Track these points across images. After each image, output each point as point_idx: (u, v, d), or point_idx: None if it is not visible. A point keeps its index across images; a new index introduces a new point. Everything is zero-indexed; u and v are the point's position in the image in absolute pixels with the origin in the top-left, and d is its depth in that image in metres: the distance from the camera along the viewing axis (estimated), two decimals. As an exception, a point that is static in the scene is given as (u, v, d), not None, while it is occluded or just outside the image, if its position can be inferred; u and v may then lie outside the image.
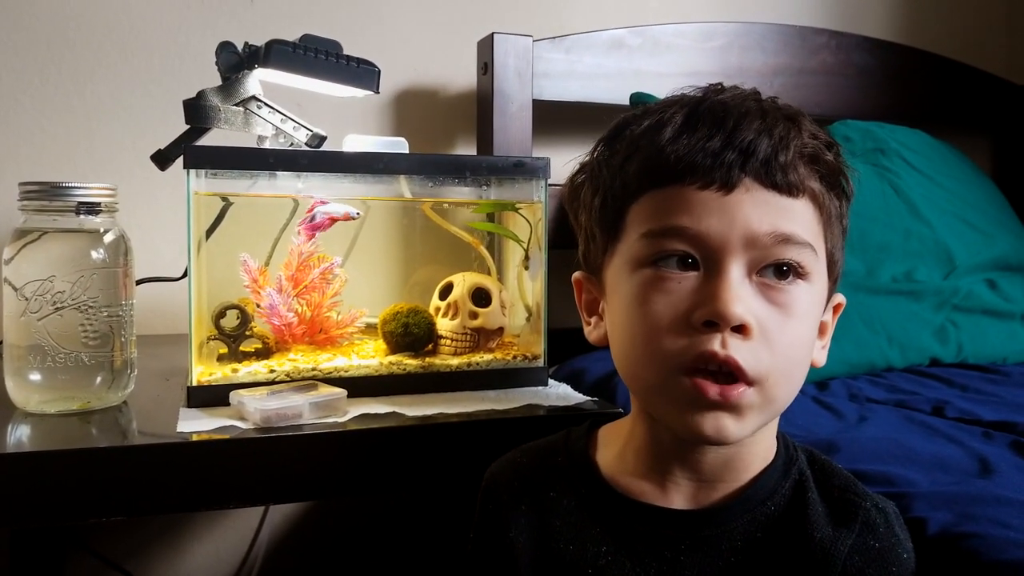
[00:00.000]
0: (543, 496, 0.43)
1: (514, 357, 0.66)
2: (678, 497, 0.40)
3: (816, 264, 0.38)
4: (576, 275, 0.45)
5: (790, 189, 0.37)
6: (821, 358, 0.41)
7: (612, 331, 0.41)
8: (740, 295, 0.36)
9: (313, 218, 0.63)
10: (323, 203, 0.63)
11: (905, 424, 0.62)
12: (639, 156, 0.39)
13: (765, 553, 0.39)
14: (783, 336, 0.36)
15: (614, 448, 0.43)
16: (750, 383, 0.36)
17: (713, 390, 0.35)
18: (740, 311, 0.35)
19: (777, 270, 0.37)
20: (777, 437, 0.42)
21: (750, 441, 0.40)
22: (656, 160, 0.38)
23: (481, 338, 0.66)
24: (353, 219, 0.64)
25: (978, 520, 0.43)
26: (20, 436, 0.51)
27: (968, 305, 0.84)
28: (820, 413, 0.66)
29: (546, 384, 0.65)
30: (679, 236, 0.37)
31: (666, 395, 0.37)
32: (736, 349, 0.35)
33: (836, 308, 0.42)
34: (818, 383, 0.75)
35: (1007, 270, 0.90)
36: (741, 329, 0.35)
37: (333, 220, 0.63)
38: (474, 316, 0.65)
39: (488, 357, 0.65)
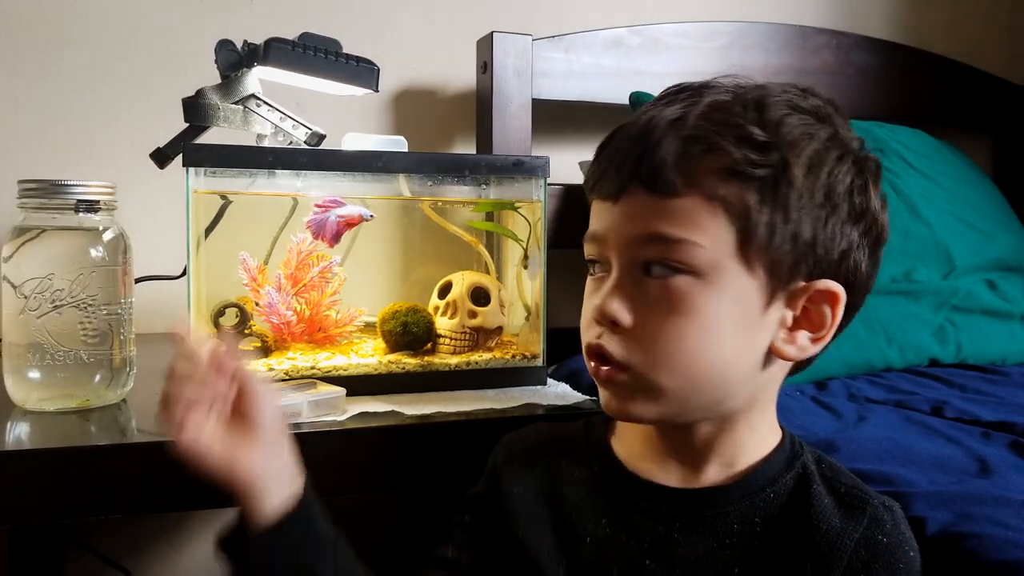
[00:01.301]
0: (556, 464, 0.45)
1: (513, 356, 0.66)
2: (674, 477, 0.42)
3: (706, 257, 0.37)
4: None
5: (666, 190, 0.38)
6: (794, 351, 0.40)
7: None
8: (616, 294, 0.40)
9: (325, 221, 0.62)
10: (337, 204, 0.62)
11: (904, 424, 0.62)
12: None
13: (763, 540, 0.39)
14: (660, 328, 0.39)
15: (627, 434, 0.45)
16: (620, 368, 0.40)
17: (596, 371, 0.41)
18: (611, 308, 0.39)
19: (650, 267, 0.39)
20: (784, 434, 0.43)
21: (729, 426, 0.41)
22: (587, 174, 0.43)
23: (480, 337, 0.66)
24: (366, 221, 0.63)
25: (977, 520, 0.43)
26: (19, 434, 0.51)
27: (967, 305, 0.84)
28: (819, 413, 0.66)
29: (545, 383, 0.65)
30: (591, 241, 0.42)
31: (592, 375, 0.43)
32: (607, 340, 0.40)
33: (831, 298, 0.39)
34: (817, 383, 0.75)
35: (1007, 270, 0.90)
36: (616, 324, 0.39)
37: (349, 224, 0.63)
38: (473, 315, 0.65)
39: (487, 356, 0.65)
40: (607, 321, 0.40)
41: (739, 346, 0.39)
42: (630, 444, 0.45)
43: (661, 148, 0.38)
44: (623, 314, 0.39)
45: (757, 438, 0.42)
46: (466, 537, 0.46)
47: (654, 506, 0.41)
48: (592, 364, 0.41)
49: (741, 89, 0.40)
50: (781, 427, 0.44)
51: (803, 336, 0.40)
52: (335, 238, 0.63)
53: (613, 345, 0.40)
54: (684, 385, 0.39)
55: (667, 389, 0.39)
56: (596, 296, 0.41)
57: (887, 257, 0.86)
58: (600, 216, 0.42)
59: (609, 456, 0.44)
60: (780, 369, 0.42)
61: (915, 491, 0.47)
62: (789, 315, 0.40)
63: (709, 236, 0.38)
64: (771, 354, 0.40)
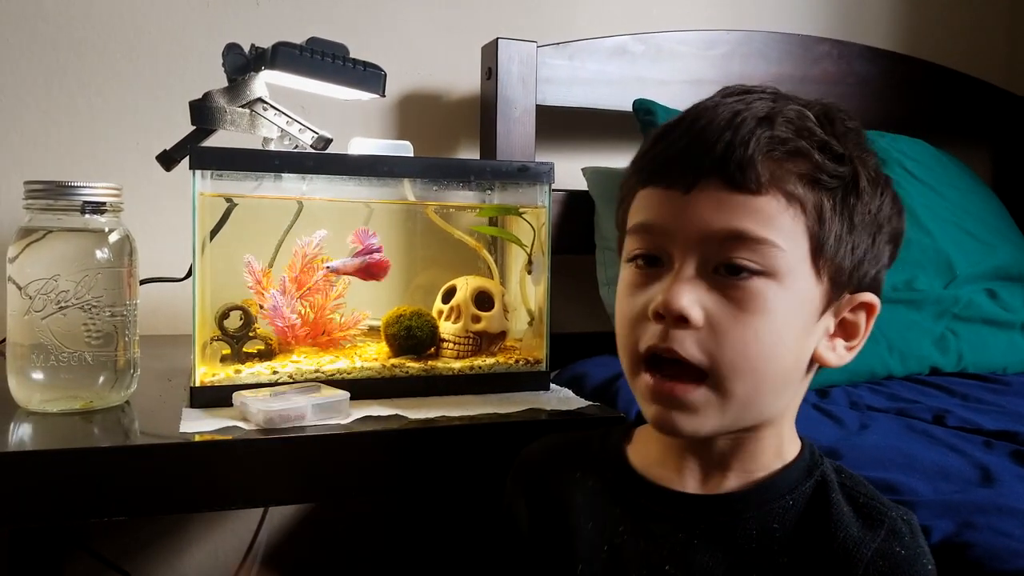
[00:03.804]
0: (571, 474, 0.45)
1: (516, 361, 0.66)
2: (692, 483, 0.42)
3: (783, 260, 0.37)
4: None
5: (749, 186, 0.37)
6: (835, 359, 0.41)
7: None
8: (687, 289, 0.37)
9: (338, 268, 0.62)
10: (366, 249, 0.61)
11: (906, 432, 0.62)
12: (636, 158, 0.42)
13: (781, 546, 0.39)
14: (736, 330, 0.37)
15: (644, 441, 0.45)
16: (699, 379, 0.37)
17: (660, 386, 0.38)
18: (683, 303, 0.37)
19: (731, 266, 0.37)
20: (803, 443, 0.43)
21: (756, 434, 0.40)
22: (640, 162, 0.41)
23: (483, 342, 0.66)
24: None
25: (980, 529, 0.43)
26: (22, 435, 0.51)
27: (968, 314, 0.84)
28: (821, 421, 0.66)
29: (548, 388, 0.66)
30: (647, 233, 0.40)
31: (634, 387, 0.41)
32: (678, 340, 0.37)
33: (868, 309, 0.41)
34: (819, 391, 0.75)
35: (1007, 280, 0.90)
36: (686, 321, 0.37)
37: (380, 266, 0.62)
38: (477, 320, 0.65)
39: (490, 361, 0.65)
40: (673, 317, 0.37)
41: (797, 352, 0.39)
42: (647, 451, 0.44)
43: (751, 143, 0.37)
44: (695, 310, 0.37)
45: (779, 447, 0.42)
46: (494, 563, 0.46)
47: (672, 512, 0.41)
48: (650, 379, 0.38)
49: (802, 100, 0.41)
50: (800, 437, 0.44)
51: (840, 344, 0.41)
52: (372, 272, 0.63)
53: (687, 346, 0.37)
54: (750, 390, 0.38)
55: (736, 396, 0.37)
56: (651, 290, 0.38)
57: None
58: (661, 207, 0.39)
59: (623, 464, 0.44)
60: (809, 379, 0.42)
61: (919, 499, 0.47)
62: (832, 323, 0.40)
63: (788, 239, 0.37)
64: (812, 362, 0.40)
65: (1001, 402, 0.72)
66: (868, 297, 0.41)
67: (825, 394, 0.74)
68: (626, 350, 0.40)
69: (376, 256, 0.63)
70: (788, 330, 0.38)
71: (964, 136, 1.17)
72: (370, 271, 0.63)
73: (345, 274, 0.63)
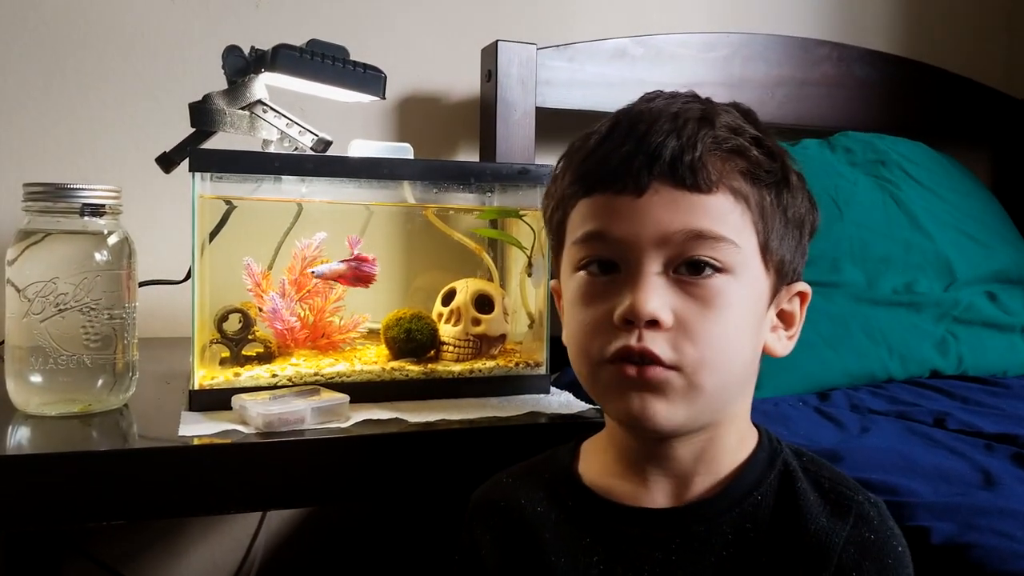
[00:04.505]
0: (531, 512, 0.43)
1: (516, 364, 0.66)
2: (660, 496, 0.41)
3: (739, 256, 0.38)
4: (552, 283, 0.47)
5: (700, 186, 0.38)
6: (781, 348, 0.42)
7: (563, 332, 0.44)
8: (653, 292, 0.37)
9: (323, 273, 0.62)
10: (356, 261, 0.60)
11: (907, 435, 0.62)
12: (571, 167, 0.42)
13: (758, 546, 0.39)
14: (704, 327, 0.38)
15: (596, 457, 0.44)
16: (670, 368, 0.37)
17: (632, 370, 0.38)
18: (652, 307, 0.37)
19: (692, 266, 0.38)
20: (760, 431, 0.43)
21: (718, 432, 0.41)
22: (580, 170, 0.41)
23: (483, 345, 0.66)
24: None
25: (982, 531, 0.43)
26: (20, 438, 0.51)
27: (968, 317, 0.84)
28: (822, 423, 0.66)
29: (548, 391, 0.65)
30: (600, 240, 0.39)
31: (598, 384, 0.40)
32: (652, 341, 0.37)
33: (802, 298, 0.43)
34: (819, 394, 0.75)
35: (1007, 283, 0.90)
36: (656, 324, 0.37)
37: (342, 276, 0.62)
38: (477, 322, 0.65)
39: (490, 364, 0.65)
40: (644, 322, 0.37)
41: (754, 343, 0.40)
42: (602, 467, 0.43)
43: (698, 144, 0.38)
44: (665, 312, 0.37)
45: (739, 440, 0.42)
46: None
47: (644, 532, 0.40)
48: (624, 367, 0.37)
49: (720, 102, 0.42)
50: (755, 424, 0.44)
51: (783, 334, 0.43)
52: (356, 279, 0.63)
53: (660, 345, 0.37)
54: (719, 384, 0.38)
55: (706, 389, 0.38)
56: (610, 297, 0.38)
57: (889, 268, 0.86)
58: (613, 213, 0.39)
59: (580, 487, 0.43)
60: (757, 370, 0.43)
61: (919, 501, 0.47)
62: (774, 314, 0.42)
63: (741, 235, 0.39)
64: (761, 353, 0.42)
65: (1001, 405, 0.72)
66: (803, 286, 0.43)
67: (826, 397, 0.74)
68: (586, 357, 0.40)
69: (365, 268, 0.62)
70: (747, 324, 0.39)
71: (964, 139, 1.17)
72: (357, 277, 0.62)
73: (331, 279, 0.62)
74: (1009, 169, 1.20)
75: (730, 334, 0.38)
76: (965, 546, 0.42)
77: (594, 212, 0.40)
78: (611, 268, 0.39)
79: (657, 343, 0.37)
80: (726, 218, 0.38)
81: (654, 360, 0.37)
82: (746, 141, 0.39)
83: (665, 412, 0.38)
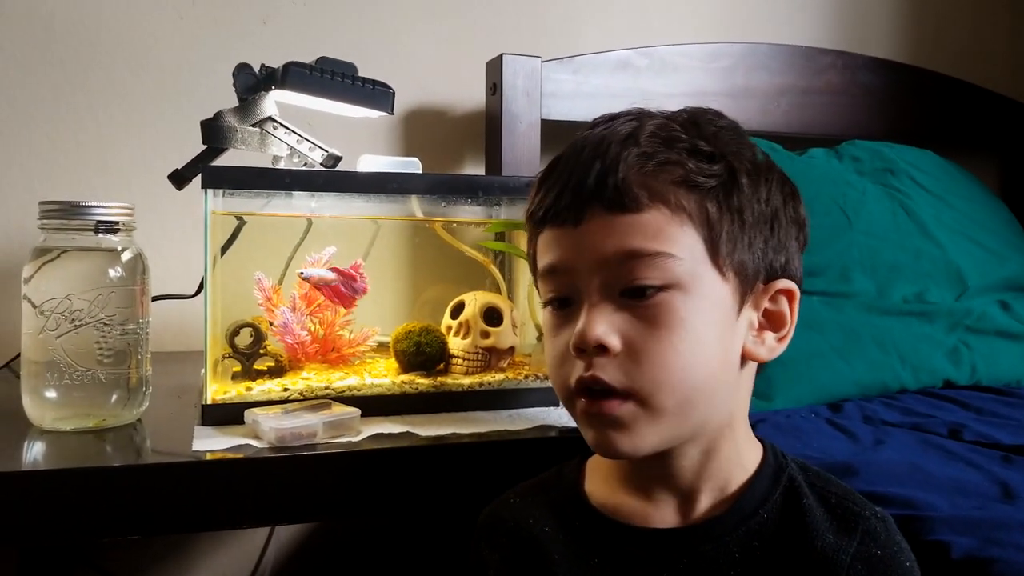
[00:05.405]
0: (538, 532, 0.43)
1: (525, 377, 0.66)
2: (667, 513, 0.41)
3: (682, 268, 0.38)
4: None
5: (628, 206, 0.38)
6: (766, 352, 0.41)
7: None
8: (598, 318, 0.38)
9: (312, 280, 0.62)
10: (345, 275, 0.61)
11: (922, 447, 0.61)
12: (528, 202, 0.43)
13: (765, 564, 0.39)
14: (654, 347, 0.37)
15: (602, 476, 0.44)
16: (624, 397, 0.38)
17: (589, 406, 0.38)
18: (597, 333, 0.37)
19: (634, 288, 0.38)
20: (764, 446, 0.43)
21: (714, 444, 0.40)
22: (532, 206, 0.42)
23: (492, 357, 0.66)
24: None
25: (1004, 546, 0.42)
26: (35, 454, 0.51)
27: (981, 326, 0.83)
28: (835, 436, 0.65)
29: (557, 404, 0.65)
30: (553, 274, 0.41)
31: (572, 414, 0.41)
32: (602, 368, 0.38)
33: (788, 296, 0.41)
34: (831, 405, 0.75)
35: (1020, 291, 0.89)
36: (605, 350, 0.37)
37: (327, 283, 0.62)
38: (485, 335, 0.65)
39: (499, 376, 0.65)
40: (593, 348, 0.38)
41: (722, 354, 0.39)
42: (605, 485, 0.43)
43: (620, 165, 0.38)
44: (611, 337, 0.37)
45: (741, 454, 0.41)
46: None
47: (650, 553, 0.40)
48: (582, 401, 0.38)
49: (668, 112, 0.42)
50: (759, 439, 0.43)
51: (769, 337, 0.41)
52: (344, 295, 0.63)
53: (611, 372, 0.37)
54: (681, 402, 0.38)
55: (667, 410, 0.38)
56: (568, 328, 0.39)
57: (899, 277, 0.86)
58: (558, 245, 0.40)
59: (586, 507, 0.42)
60: (748, 378, 0.42)
61: (938, 515, 0.46)
62: (755, 317, 0.41)
63: (682, 247, 0.38)
64: (743, 360, 0.41)
65: (1017, 415, 0.71)
66: (784, 284, 0.41)
67: (838, 408, 0.74)
68: (558, 388, 0.41)
69: (352, 285, 0.62)
70: (706, 335, 0.38)
71: (970, 146, 1.17)
72: (337, 294, 0.62)
73: (314, 286, 0.62)
74: (1017, 175, 1.19)
75: (683, 349, 0.38)
76: (987, 560, 0.41)
77: (547, 246, 0.41)
78: (568, 303, 0.40)
79: (607, 370, 0.38)
80: (662, 232, 0.38)
81: (605, 387, 0.38)
82: (677, 152, 0.39)
83: (628, 442, 0.38)
